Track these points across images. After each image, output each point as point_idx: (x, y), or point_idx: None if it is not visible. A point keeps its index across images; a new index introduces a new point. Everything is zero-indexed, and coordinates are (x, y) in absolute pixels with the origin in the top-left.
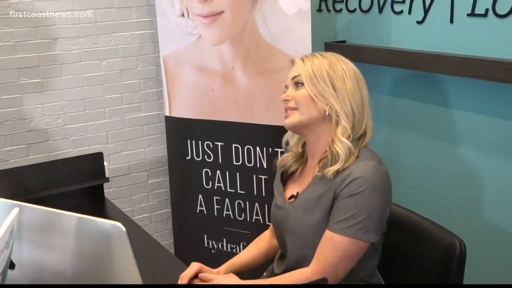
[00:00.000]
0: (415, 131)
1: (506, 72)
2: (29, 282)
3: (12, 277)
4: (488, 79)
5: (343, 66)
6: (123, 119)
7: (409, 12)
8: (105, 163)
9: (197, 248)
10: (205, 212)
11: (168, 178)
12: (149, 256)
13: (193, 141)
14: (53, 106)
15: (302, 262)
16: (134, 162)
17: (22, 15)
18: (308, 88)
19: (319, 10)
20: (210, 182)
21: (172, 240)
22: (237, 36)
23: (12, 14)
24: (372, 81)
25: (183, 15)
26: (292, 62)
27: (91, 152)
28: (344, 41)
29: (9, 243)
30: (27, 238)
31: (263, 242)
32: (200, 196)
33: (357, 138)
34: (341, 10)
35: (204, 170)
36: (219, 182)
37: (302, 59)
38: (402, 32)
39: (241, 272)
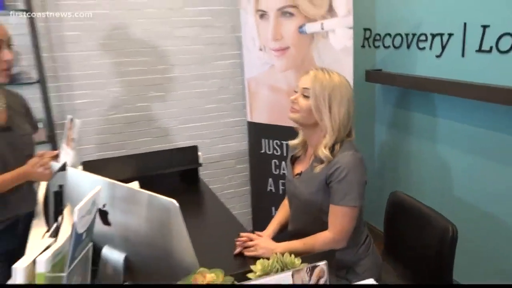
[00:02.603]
0: (431, 140)
1: (506, 96)
2: (119, 237)
3: (109, 232)
4: (490, 101)
5: (342, 91)
6: (219, 122)
7: (430, 48)
8: (199, 153)
9: (267, 217)
10: (273, 191)
11: (248, 165)
12: (225, 225)
13: (266, 140)
14: (171, 112)
15: (300, 221)
16: (225, 153)
17: (153, 48)
18: (311, 103)
19: (363, 46)
20: (277, 170)
21: (250, 209)
22: (299, 65)
23: (146, 48)
24: (401, 101)
25: (261, 49)
26: (306, 72)
27: (197, 144)
28: (380, 70)
29: (92, 211)
30: (118, 206)
31: (286, 207)
32: (270, 179)
33: (345, 135)
34: (379, 46)
35: (273, 160)
36: (283, 169)
37: (316, 76)
38: (424, 64)
39: (281, 230)
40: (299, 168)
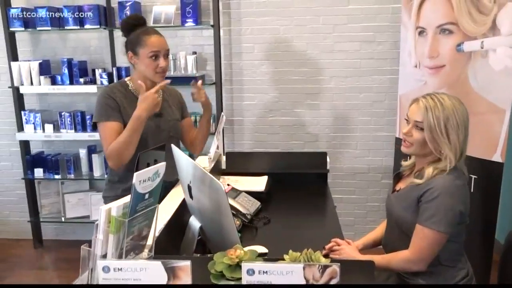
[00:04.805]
0: None
1: None
2: (197, 209)
3: (193, 204)
4: None
5: (457, 117)
6: (370, 135)
7: None
8: (328, 159)
9: None
10: None
11: None
12: (328, 229)
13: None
14: (323, 119)
15: (391, 237)
16: (372, 165)
17: (313, 60)
18: (426, 135)
19: None
20: None
21: None
22: (452, 83)
23: (307, 60)
24: None
25: (416, 66)
26: (415, 101)
27: (343, 153)
28: None
29: (154, 179)
30: (196, 184)
31: (385, 223)
32: None
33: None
34: None
35: None
36: None
37: (426, 108)
38: None
39: (373, 245)
40: (400, 185)
